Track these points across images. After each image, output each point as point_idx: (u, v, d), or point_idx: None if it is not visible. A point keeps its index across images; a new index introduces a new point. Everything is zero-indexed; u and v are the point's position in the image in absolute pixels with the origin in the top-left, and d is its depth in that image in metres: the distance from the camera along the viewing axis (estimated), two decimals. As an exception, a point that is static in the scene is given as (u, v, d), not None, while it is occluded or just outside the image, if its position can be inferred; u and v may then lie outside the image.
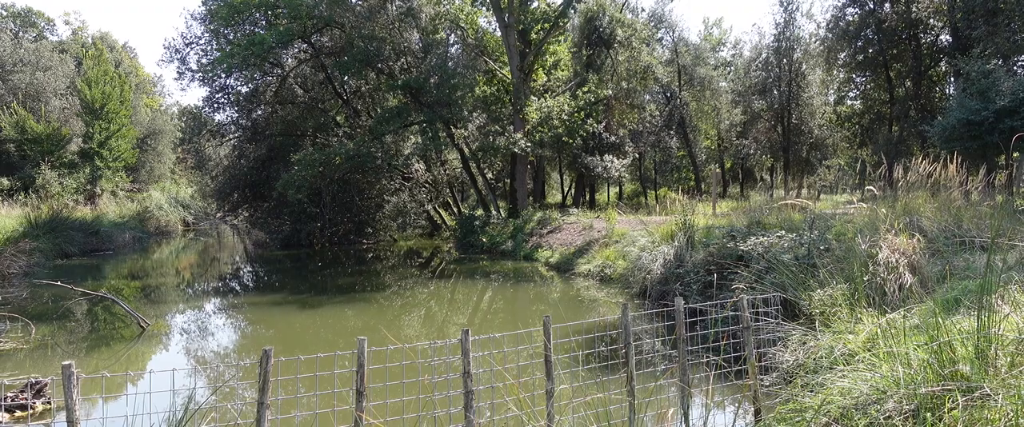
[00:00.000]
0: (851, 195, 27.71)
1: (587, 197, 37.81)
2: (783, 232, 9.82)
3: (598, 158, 31.80)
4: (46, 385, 6.76)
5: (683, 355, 5.52)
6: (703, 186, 39.87)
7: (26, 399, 6.51)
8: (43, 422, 6.11)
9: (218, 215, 38.55)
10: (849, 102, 36.97)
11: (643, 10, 40.48)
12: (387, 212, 32.17)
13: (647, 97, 39.04)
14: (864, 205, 8.75)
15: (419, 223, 34.44)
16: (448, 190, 34.00)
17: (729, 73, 44.40)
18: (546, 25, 29.71)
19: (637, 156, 39.44)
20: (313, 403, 4.28)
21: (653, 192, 43.34)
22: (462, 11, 30.31)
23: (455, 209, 34.06)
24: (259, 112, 32.29)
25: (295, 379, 4.39)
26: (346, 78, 30.83)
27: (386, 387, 4.17)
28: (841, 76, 34.65)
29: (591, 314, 9.87)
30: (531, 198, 32.51)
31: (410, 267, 23.73)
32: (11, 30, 46.84)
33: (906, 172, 9.49)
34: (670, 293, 11.29)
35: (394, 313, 13.60)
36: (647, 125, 38.12)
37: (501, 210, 30.00)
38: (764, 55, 39.20)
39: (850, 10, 30.11)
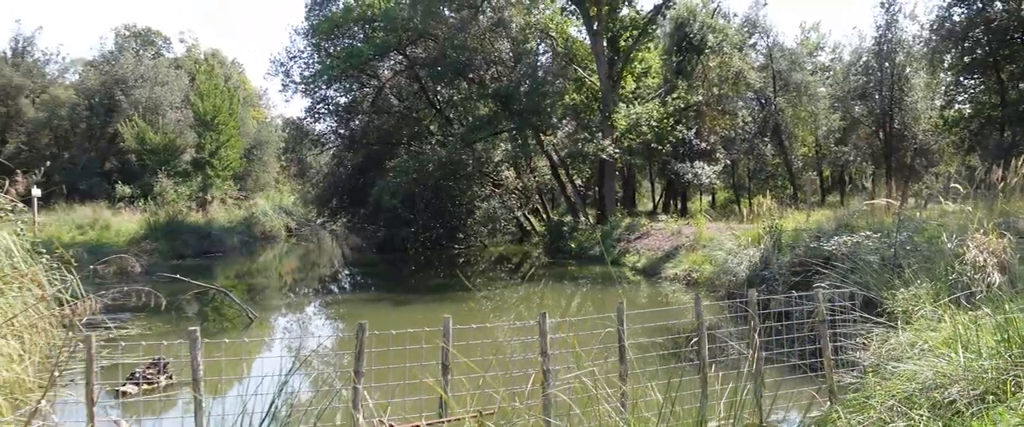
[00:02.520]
0: (962, 203, 26.49)
1: (678, 205, 37.46)
2: (869, 233, 9.71)
3: (688, 165, 31.52)
4: (168, 363, 7.56)
5: (756, 346, 5.66)
6: (799, 194, 38.82)
7: (152, 374, 7.34)
8: (166, 394, 6.83)
9: (318, 221, 40.19)
10: (957, 106, 35.27)
11: (735, 15, 39.88)
12: (478, 218, 32.85)
13: (740, 103, 38.34)
14: (953, 206, 8.58)
15: (509, 229, 34.99)
16: (537, 196, 34.42)
17: (827, 78, 43.08)
18: (635, 32, 29.79)
19: (729, 163, 38.77)
20: (403, 374, 4.69)
21: (747, 200, 42.46)
22: (552, 20, 30.75)
23: (544, 215, 34.43)
24: (357, 122, 33.65)
25: (387, 352, 4.81)
26: (439, 88, 31.74)
27: (469, 363, 4.53)
28: (947, 79, 33.15)
29: (674, 316, 10.00)
30: (620, 205, 32.54)
31: (500, 272, 24.24)
32: (133, 49, 50.24)
33: (1006, 174, 9.22)
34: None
35: (484, 314, 14.05)
36: (740, 132, 37.44)
37: (590, 216, 30.18)
38: (864, 58, 37.86)
39: (956, 9, 28.82)
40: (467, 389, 4.13)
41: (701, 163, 31.70)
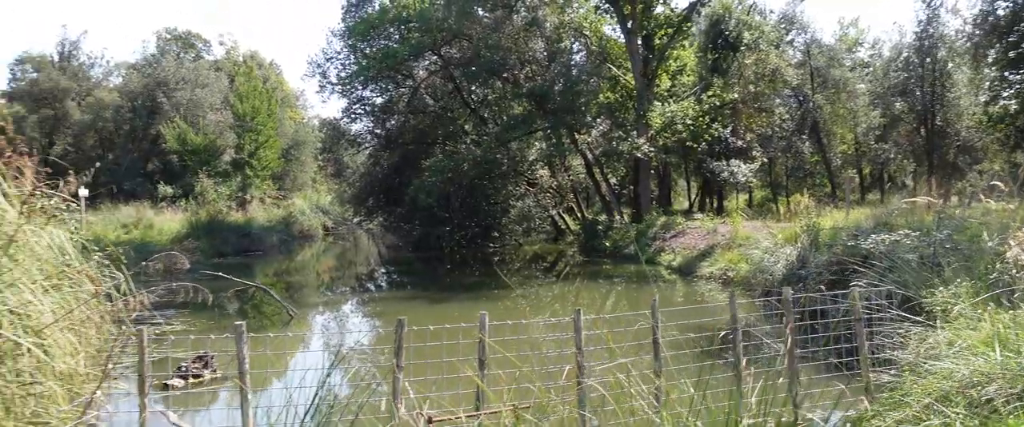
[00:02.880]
0: (1005, 201, 25.88)
1: (714, 203, 37.16)
2: (908, 231, 9.59)
3: (724, 163, 31.26)
4: (212, 357, 7.79)
5: (790, 343, 5.66)
6: (838, 193, 38.23)
7: (197, 368, 7.58)
8: (211, 387, 7.04)
9: (355, 220, 40.64)
10: (1002, 101, 34.43)
11: (772, 12, 39.41)
12: (512, 217, 32.96)
13: (777, 100, 37.86)
14: (995, 204, 8.43)
15: (543, 228, 35.04)
16: (572, 195, 34.41)
17: (867, 74, 42.35)
18: (669, 30, 29.61)
19: (766, 161, 38.33)
20: (441, 368, 4.80)
21: (784, 199, 41.93)
22: (586, 19, 30.71)
23: (579, 214, 34.42)
24: (392, 122, 33.98)
25: (425, 347, 4.92)
26: (474, 87, 31.91)
27: (505, 358, 4.62)
28: (992, 74, 32.37)
29: (708, 313, 10.00)
30: (656, 204, 32.38)
31: (535, 270, 24.32)
32: (174, 52, 51.28)
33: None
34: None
35: (519, 312, 14.15)
36: (777, 129, 37.00)
37: (625, 215, 30.11)
38: (905, 54, 37.17)
39: (1000, 3, 28.16)
40: (504, 383, 4.21)
41: (737, 161, 31.42)
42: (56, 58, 47.04)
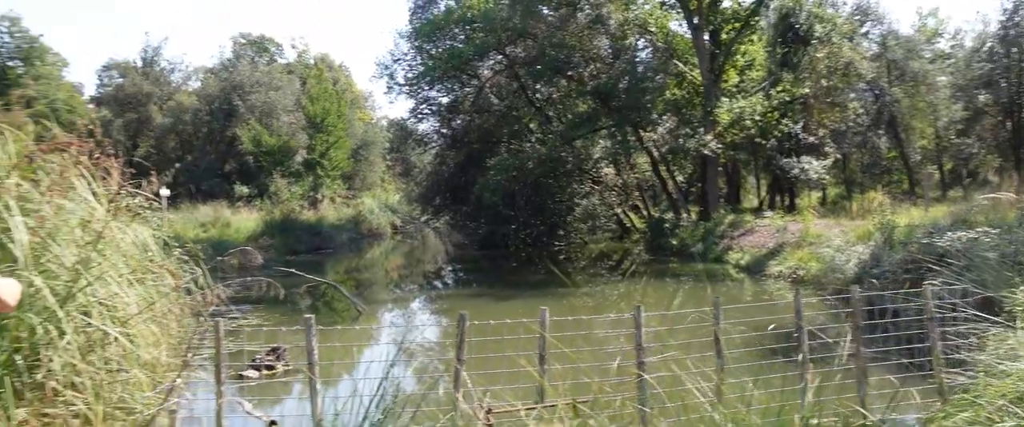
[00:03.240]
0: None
1: (785, 201, 36.29)
2: (988, 229, 9.22)
3: (795, 160, 30.48)
4: (285, 350, 8.10)
5: (859, 341, 5.56)
6: (917, 189, 36.86)
7: (271, 360, 7.90)
8: (283, 379, 7.33)
9: (422, 219, 41.23)
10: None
11: (845, 3, 38.17)
12: (577, 215, 32.90)
13: (851, 95, 36.70)
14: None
15: (609, 226, 34.86)
16: (637, 193, 34.14)
17: (948, 66, 40.67)
18: (737, 25, 29.08)
19: (840, 158, 37.20)
20: (502, 362, 4.89)
21: (859, 196, 40.63)
22: (651, 15, 30.41)
23: (645, 212, 34.13)
24: (458, 121, 34.34)
25: (486, 341, 5.02)
26: (538, 86, 31.98)
27: (565, 353, 4.68)
28: (1084, 63, 30.72)
29: (775, 312, 9.83)
30: (724, 201, 31.85)
31: (600, 269, 24.25)
32: (249, 56, 52.94)
33: None
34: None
35: (584, 311, 14.16)
36: (851, 124, 35.86)
37: (691, 213, 29.72)
38: (989, 44, 35.56)
39: (1094, -11, 26.69)
40: (563, 379, 4.27)
41: (808, 158, 30.56)
42: (140, 64, 49.14)
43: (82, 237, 4.41)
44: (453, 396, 4.26)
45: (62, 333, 3.82)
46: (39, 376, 3.73)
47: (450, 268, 27.57)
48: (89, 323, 4.14)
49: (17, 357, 3.60)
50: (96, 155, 5.24)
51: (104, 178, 5.30)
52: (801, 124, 31.32)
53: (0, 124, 4.79)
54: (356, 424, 3.62)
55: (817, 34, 30.48)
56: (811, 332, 6.23)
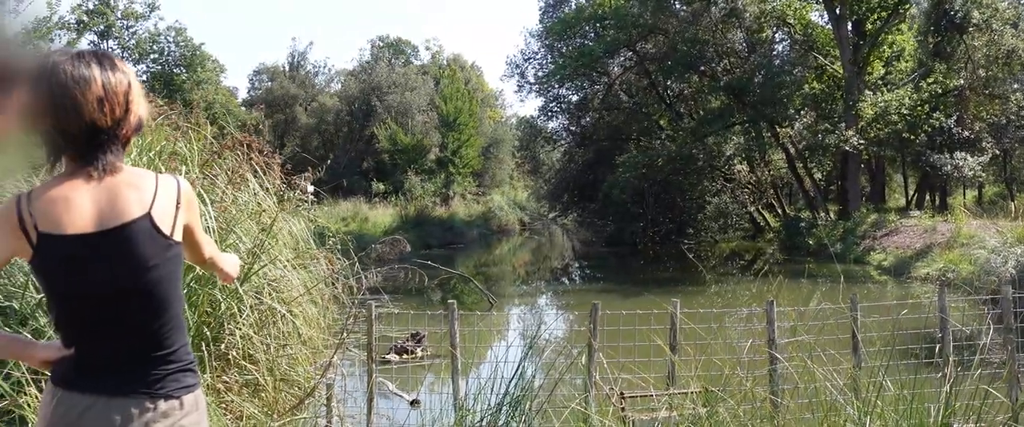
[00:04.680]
0: None
1: (936, 200, 34.03)
2: None
3: (947, 156, 28.53)
4: (424, 336, 8.60)
5: (1012, 345, 5.31)
6: (1092, 188, 33.59)
7: (411, 346, 8.41)
8: (423, 364, 7.79)
9: (549, 216, 41.63)
10: None
11: (1008, -14, 35.27)
12: (708, 213, 32.26)
13: (1014, 86, 33.89)
14: None
15: (741, 225, 33.95)
16: (772, 191, 33.06)
17: None
18: (884, 14, 27.58)
19: (999, 154, 34.45)
20: (633, 351, 5.03)
21: (1021, 195, 37.45)
22: (790, 7, 29.33)
23: (779, 211, 33.00)
24: (587, 119, 34.47)
25: (618, 331, 5.18)
26: (669, 82, 31.60)
27: (697, 345, 4.77)
28: None
29: (920, 314, 9.37)
30: (867, 200, 30.27)
31: (731, 268, 23.72)
32: (386, 58, 55.19)
33: None
34: None
35: (722, 322, 13.98)
36: (1013, 118, 33.10)
37: (830, 212, 28.48)
38: None
39: None
40: (694, 365, 4.37)
41: (962, 154, 28.51)
42: (287, 68, 52.36)
43: (255, 226, 4.93)
44: (587, 379, 4.45)
45: (242, 309, 4.31)
46: (222, 346, 4.24)
47: (577, 265, 27.75)
48: (261, 301, 4.65)
49: (205, 328, 4.11)
50: (263, 153, 5.81)
51: (267, 173, 5.86)
52: (955, 118, 29.26)
53: (186, 125, 5.42)
54: (495, 402, 3.89)
55: (975, 21, 28.35)
56: (957, 334, 5.98)
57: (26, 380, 3.09)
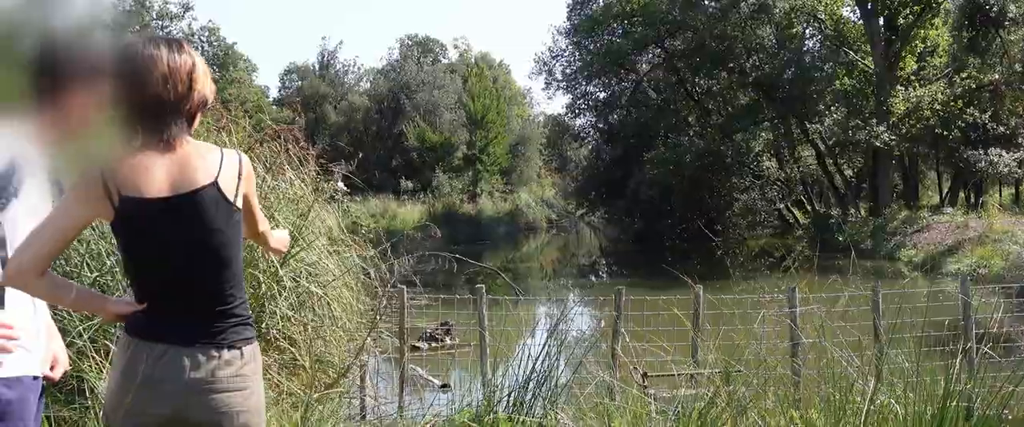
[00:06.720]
0: None
1: (971, 197, 33.53)
2: None
3: (981, 152, 28.10)
4: (453, 325, 8.83)
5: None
6: None
7: (440, 335, 8.65)
8: (451, 353, 8.00)
9: (577, 213, 41.71)
10: None
11: (1046, -21, 34.62)
12: (736, 210, 32.09)
13: (1051, 80, 33.28)
14: None
15: (770, 222, 33.74)
16: (801, 188, 32.81)
17: None
18: (916, 8, 27.28)
19: (1036, 150, 33.84)
20: (657, 336, 5.17)
21: (1060, 192, 36.78)
22: (821, 2, 29.12)
23: (809, 207, 32.75)
24: (614, 116, 34.47)
25: (643, 316, 5.32)
26: (697, 79, 31.50)
27: (720, 331, 4.89)
28: None
29: (946, 307, 9.34)
30: (899, 197, 29.96)
31: (760, 264, 23.59)
32: (414, 57, 55.57)
33: None
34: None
35: (745, 308, 14.00)
36: (1051, 114, 32.52)
37: (861, 209, 28.23)
38: None
39: None
40: (717, 348, 4.48)
41: (998, 150, 28.05)
42: (317, 67, 52.96)
43: (293, 212, 5.15)
44: (610, 358, 4.60)
45: (281, 291, 4.53)
46: (263, 326, 4.45)
47: (604, 261, 27.82)
48: (299, 284, 4.86)
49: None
50: (299, 144, 6.04)
51: (303, 165, 6.09)
52: (990, 113, 28.82)
53: (226, 118, 5.65)
54: (522, 379, 4.05)
55: (1011, 15, 27.89)
56: (982, 323, 6.03)
57: (88, 349, 3.32)
